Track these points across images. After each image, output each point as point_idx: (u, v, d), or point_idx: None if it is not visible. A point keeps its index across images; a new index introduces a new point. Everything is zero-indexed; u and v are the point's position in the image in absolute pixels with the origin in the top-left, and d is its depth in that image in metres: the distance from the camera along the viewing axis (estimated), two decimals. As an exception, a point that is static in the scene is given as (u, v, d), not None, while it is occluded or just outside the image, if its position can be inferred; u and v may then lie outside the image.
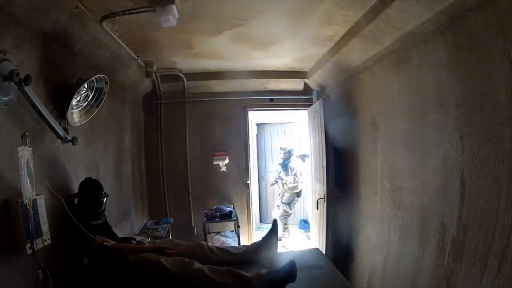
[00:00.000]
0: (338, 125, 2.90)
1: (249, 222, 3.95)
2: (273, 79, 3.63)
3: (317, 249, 2.40)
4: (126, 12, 1.80)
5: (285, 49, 2.77)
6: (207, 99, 3.76)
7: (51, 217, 1.56)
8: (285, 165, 4.49)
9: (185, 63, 3.14)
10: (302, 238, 4.70)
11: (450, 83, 1.50)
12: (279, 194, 4.60)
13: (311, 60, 3.16)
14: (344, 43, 2.36)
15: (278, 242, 2.18)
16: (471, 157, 1.38)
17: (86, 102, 1.96)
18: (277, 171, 4.59)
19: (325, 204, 2.98)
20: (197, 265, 1.68)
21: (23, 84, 1.31)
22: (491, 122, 1.26)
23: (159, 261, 1.67)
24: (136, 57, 2.65)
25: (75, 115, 1.88)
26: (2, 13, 1.30)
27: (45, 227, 1.48)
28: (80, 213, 1.71)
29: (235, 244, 3.22)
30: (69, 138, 1.75)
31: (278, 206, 4.53)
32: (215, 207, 3.43)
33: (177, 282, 1.63)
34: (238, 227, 3.29)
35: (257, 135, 5.54)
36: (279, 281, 1.58)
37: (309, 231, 4.37)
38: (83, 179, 1.93)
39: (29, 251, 1.35)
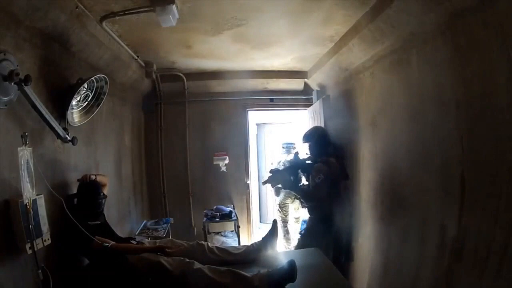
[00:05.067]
0: (338, 125, 2.90)
1: (249, 222, 3.95)
2: (273, 79, 3.63)
3: (317, 249, 2.40)
4: (126, 12, 1.81)
5: (285, 49, 2.77)
6: (207, 99, 3.76)
7: (51, 217, 1.55)
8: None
9: (185, 63, 3.14)
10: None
11: (450, 83, 1.49)
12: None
13: (311, 60, 3.16)
14: (344, 43, 2.36)
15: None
16: (471, 157, 1.37)
17: (86, 102, 1.96)
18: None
19: (325, 204, 2.97)
20: (197, 265, 1.68)
21: (23, 84, 1.31)
22: (491, 122, 1.26)
23: (159, 261, 1.67)
24: (136, 57, 2.65)
25: (75, 115, 1.88)
26: (2, 13, 1.30)
27: (45, 227, 1.48)
28: (79, 214, 1.71)
29: (235, 244, 3.22)
30: (69, 138, 1.75)
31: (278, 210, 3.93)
32: (215, 207, 3.43)
33: (177, 282, 1.63)
34: (238, 227, 3.29)
35: (257, 135, 5.54)
36: (279, 281, 1.58)
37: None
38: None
39: (29, 251, 1.35)
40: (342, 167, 2.34)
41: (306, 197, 2.26)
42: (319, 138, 2.38)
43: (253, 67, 3.36)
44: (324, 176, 2.15)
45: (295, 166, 2.36)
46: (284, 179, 2.31)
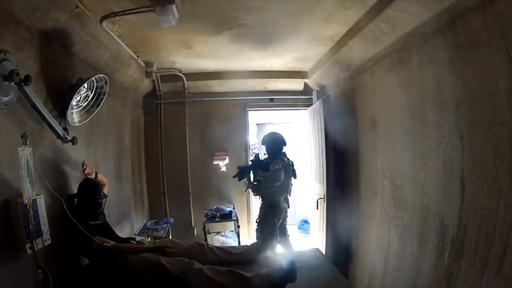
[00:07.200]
0: (338, 125, 2.90)
1: (249, 222, 3.94)
2: (273, 79, 3.63)
3: (317, 249, 2.40)
4: (126, 12, 1.81)
5: (285, 49, 2.77)
6: (207, 99, 3.76)
7: (51, 217, 1.55)
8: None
9: (185, 63, 3.14)
10: (300, 240, 4.64)
11: (450, 83, 1.50)
12: None
13: (311, 60, 3.15)
14: (344, 43, 2.36)
15: None
16: (471, 157, 1.37)
17: (86, 102, 1.95)
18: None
19: (325, 204, 2.98)
20: (197, 265, 1.68)
21: (23, 84, 1.31)
22: (491, 122, 1.26)
23: (159, 261, 1.67)
24: (136, 57, 2.66)
25: (75, 115, 1.88)
26: (2, 13, 1.30)
27: (45, 227, 1.47)
28: (79, 214, 1.71)
29: (235, 244, 3.22)
30: (69, 138, 1.75)
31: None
32: (215, 207, 3.43)
33: (177, 282, 1.63)
34: (238, 227, 3.29)
35: (257, 135, 5.53)
36: (279, 281, 1.58)
37: (307, 233, 4.30)
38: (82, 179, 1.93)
39: (29, 251, 1.35)
40: (292, 166, 2.83)
41: (267, 179, 2.69)
42: (275, 143, 2.85)
43: (253, 67, 3.36)
44: (281, 165, 2.69)
45: (256, 163, 2.83)
46: (248, 172, 2.85)
